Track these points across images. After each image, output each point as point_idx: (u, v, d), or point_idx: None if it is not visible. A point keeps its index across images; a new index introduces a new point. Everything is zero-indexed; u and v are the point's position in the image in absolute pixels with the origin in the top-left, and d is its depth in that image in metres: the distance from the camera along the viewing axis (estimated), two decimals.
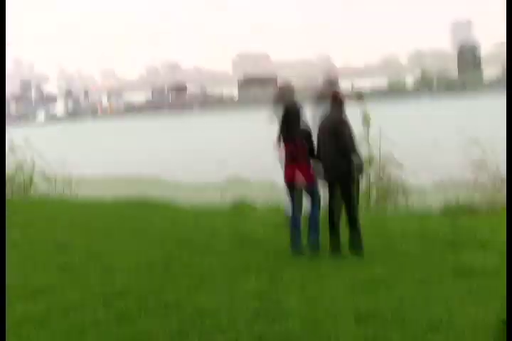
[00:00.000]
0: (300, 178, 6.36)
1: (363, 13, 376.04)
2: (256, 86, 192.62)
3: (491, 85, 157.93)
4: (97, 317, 4.69)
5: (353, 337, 4.04)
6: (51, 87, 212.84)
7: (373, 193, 9.86)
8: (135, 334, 4.33)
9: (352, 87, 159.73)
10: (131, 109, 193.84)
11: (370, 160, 9.51)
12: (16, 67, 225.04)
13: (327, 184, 6.43)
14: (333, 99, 6.51)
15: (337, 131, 6.22)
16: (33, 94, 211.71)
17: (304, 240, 6.47)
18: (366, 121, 9.95)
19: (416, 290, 4.98)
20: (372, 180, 9.74)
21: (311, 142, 6.44)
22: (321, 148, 6.40)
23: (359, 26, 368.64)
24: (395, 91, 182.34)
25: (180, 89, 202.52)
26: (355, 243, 6.27)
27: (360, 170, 6.52)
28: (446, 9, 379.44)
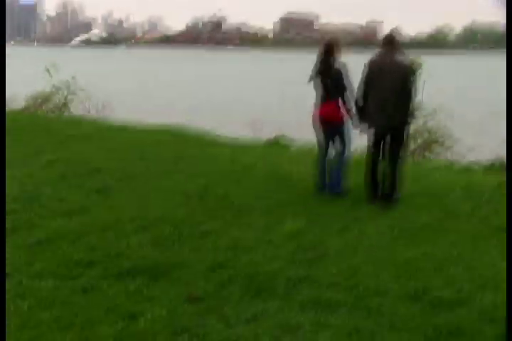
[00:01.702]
0: (331, 117, 6.07)
1: None
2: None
3: None
4: (132, 240, 4.61)
5: (394, 288, 3.89)
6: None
7: (418, 141, 9.46)
8: (169, 259, 4.24)
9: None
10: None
11: (419, 106, 9.04)
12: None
13: (376, 127, 6.06)
14: (389, 42, 6.06)
15: (408, 78, 5.81)
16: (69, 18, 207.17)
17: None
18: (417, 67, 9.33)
19: (462, 244, 4.77)
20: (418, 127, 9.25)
21: (342, 81, 6.04)
22: (376, 90, 5.94)
23: None
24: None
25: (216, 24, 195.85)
26: (394, 188, 5.99)
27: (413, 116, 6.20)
28: None
